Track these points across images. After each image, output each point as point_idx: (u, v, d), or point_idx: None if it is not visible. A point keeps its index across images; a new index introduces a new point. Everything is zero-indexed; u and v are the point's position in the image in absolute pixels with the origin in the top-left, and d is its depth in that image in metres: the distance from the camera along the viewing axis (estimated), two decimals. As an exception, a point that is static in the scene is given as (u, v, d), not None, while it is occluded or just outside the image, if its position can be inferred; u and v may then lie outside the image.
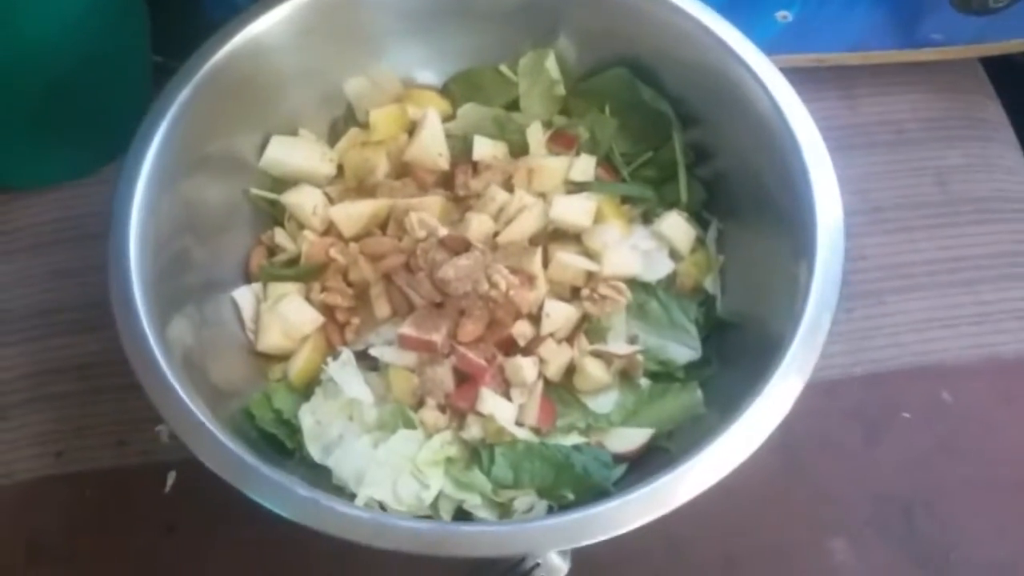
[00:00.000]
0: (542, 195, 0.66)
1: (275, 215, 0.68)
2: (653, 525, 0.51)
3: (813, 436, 0.67)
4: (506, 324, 0.61)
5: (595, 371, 0.61)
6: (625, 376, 0.63)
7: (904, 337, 0.72)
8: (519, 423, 0.60)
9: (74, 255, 0.75)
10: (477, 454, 0.59)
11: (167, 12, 0.73)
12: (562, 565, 0.60)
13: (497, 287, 0.60)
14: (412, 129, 0.69)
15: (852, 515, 0.66)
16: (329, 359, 0.62)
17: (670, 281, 0.66)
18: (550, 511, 0.58)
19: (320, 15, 0.66)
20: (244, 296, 0.66)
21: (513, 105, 0.71)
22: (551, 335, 0.62)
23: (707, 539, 0.65)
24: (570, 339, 0.63)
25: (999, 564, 0.66)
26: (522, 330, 0.61)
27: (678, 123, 0.68)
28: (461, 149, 0.69)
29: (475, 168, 0.68)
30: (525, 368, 0.60)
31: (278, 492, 0.51)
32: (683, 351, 0.64)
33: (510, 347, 0.62)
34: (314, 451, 0.59)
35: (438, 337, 0.60)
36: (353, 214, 0.65)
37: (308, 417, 0.60)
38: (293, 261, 0.67)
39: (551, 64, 0.70)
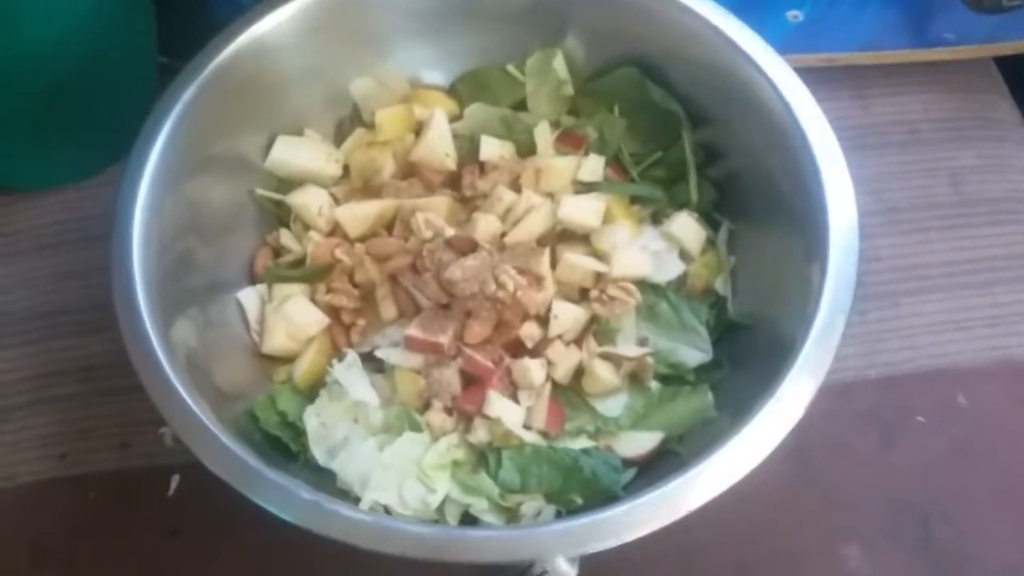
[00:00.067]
0: (550, 195, 0.66)
1: (280, 216, 0.68)
2: (663, 531, 0.50)
3: (826, 440, 0.67)
4: (514, 326, 0.61)
5: (604, 373, 0.61)
6: (635, 379, 0.62)
7: (919, 339, 0.71)
8: (527, 426, 0.60)
9: (77, 257, 0.74)
10: (484, 457, 0.59)
11: (173, 12, 0.73)
12: (570, 571, 0.58)
13: (504, 288, 0.60)
14: (419, 129, 0.69)
15: (866, 521, 0.66)
16: (334, 361, 0.62)
17: (680, 282, 0.65)
18: (558, 516, 0.58)
19: (326, 14, 0.66)
20: (249, 297, 0.66)
21: (520, 105, 0.71)
22: (559, 337, 0.62)
23: (718, 545, 0.64)
24: (579, 341, 0.62)
25: (1017, 571, 0.65)
26: (530, 332, 0.61)
27: (688, 123, 0.67)
28: (468, 149, 0.68)
29: (482, 168, 0.67)
30: (533, 370, 0.59)
31: (281, 495, 0.51)
32: (693, 353, 0.63)
33: (518, 349, 0.61)
34: (318, 454, 0.59)
35: (445, 339, 0.60)
36: (359, 215, 0.65)
37: (313, 419, 0.60)
38: (298, 262, 0.66)
39: (559, 64, 0.70)
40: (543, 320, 0.62)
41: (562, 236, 0.65)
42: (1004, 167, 0.79)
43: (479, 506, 0.58)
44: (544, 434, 0.60)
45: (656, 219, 0.68)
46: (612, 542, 0.50)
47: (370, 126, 0.70)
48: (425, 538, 0.51)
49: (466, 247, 0.62)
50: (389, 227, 0.66)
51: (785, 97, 0.60)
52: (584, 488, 0.57)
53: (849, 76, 0.80)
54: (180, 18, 0.72)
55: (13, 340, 0.72)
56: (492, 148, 0.68)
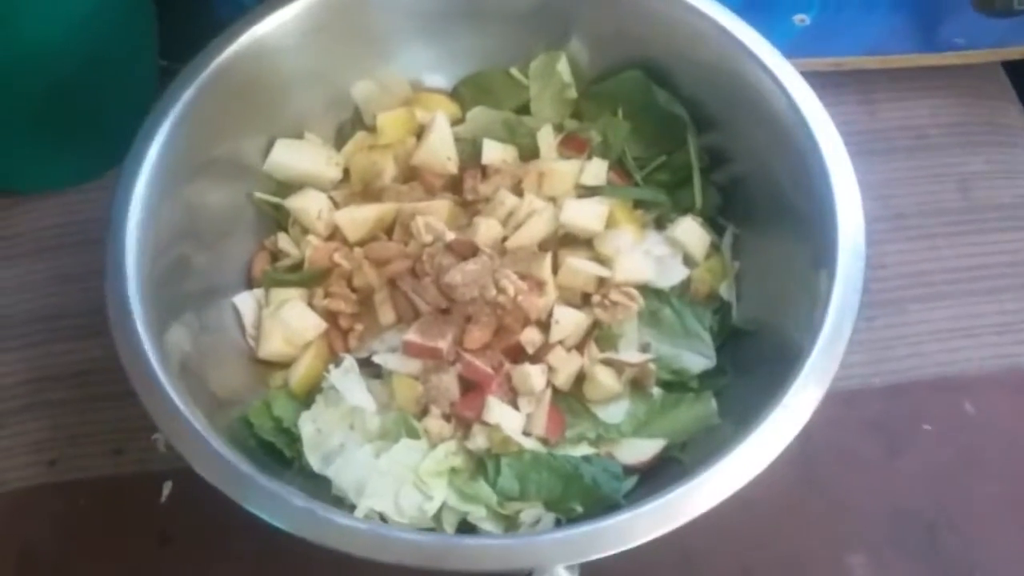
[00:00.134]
0: (552, 199, 0.66)
1: (279, 220, 0.68)
2: (666, 539, 0.50)
3: (832, 448, 0.66)
4: (514, 331, 0.60)
5: (606, 380, 0.60)
6: (637, 385, 0.62)
7: (926, 347, 0.71)
8: (526, 433, 0.59)
9: (77, 260, 0.74)
10: (482, 465, 0.58)
11: (174, 13, 0.73)
12: (570, 580, 0.58)
13: (505, 292, 0.59)
14: (420, 133, 0.69)
15: (872, 530, 0.65)
16: (331, 366, 0.61)
17: (684, 288, 0.65)
18: (558, 524, 0.57)
19: (328, 16, 0.66)
20: (245, 302, 0.65)
21: (523, 109, 0.71)
22: (560, 342, 0.61)
23: (722, 553, 0.64)
24: (580, 347, 0.62)
25: (1026, 581, 0.65)
26: (530, 337, 0.60)
27: (693, 126, 0.67)
28: (470, 153, 0.68)
29: (484, 172, 0.67)
30: (533, 376, 0.59)
31: (274, 502, 0.50)
32: (697, 360, 0.62)
33: (518, 355, 0.61)
34: (314, 460, 0.58)
35: (444, 344, 0.59)
36: (358, 218, 0.65)
37: (308, 425, 0.59)
38: (296, 266, 0.66)
39: (563, 67, 0.70)
40: (544, 325, 0.61)
41: (564, 241, 0.65)
42: (1013, 173, 0.79)
43: (477, 514, 0.57)
44: (544, 441, 0.59)
45: (660, 224, 0.67)
46: (612, 551, 0.49)
47: (371, 129, 0.70)
48: (422, 546, 0.50)
49: (467, 251, 0.61)
50: (389, 231, 0.66)
51: (793, 101, 0.60)
52: (584, 496, 0.57)
53: (856, 81, 0.80)
54: (181, 20, 0.72)
55: (10, 343, 0.71)
56: (494, 152, 0.67)
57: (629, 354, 0.61)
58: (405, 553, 0.49)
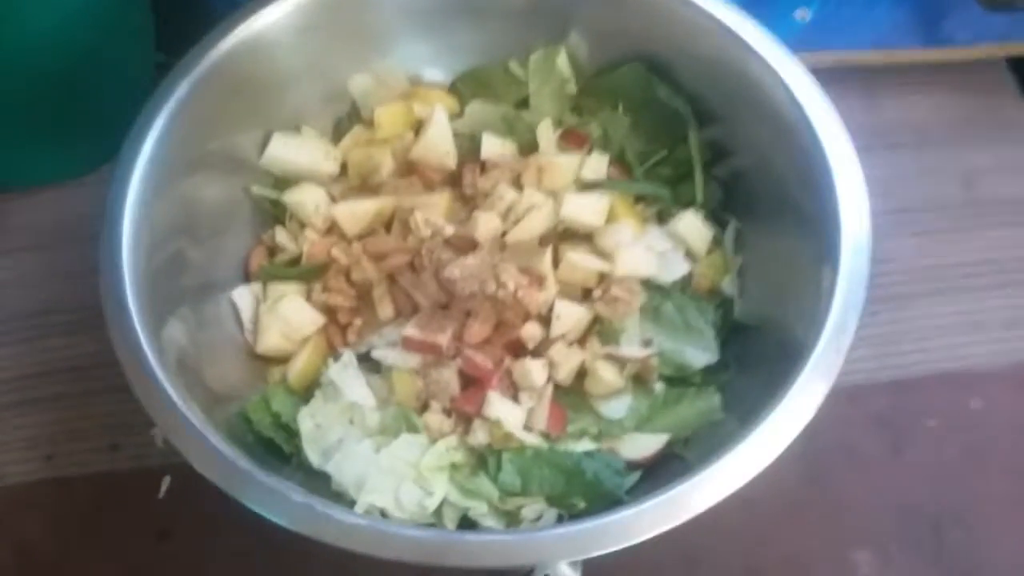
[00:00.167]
0: (552, 194, 0.65)
1: (276, 214, 0.68)
2: (668, 536, 0.49)
3: (836, 444, 0.66)
4: (515, 325, 0.60)
5: (607, 375, 0.60)
6: (639, 380, 0.61)
7: (930, 342, 0.71)
8: (528, 428, 0.59)
9: (73, 255, 0.74)
10: (483, 460, 0.58)
11: (171, 6, 0.73)
12: (572, 577, 0.58)
13: (505, 287, 0.59)
14: (418, 127, 0.68)
15: (877, 527, 0.65)
16: (330, 361, 0.61)
17: (686, 283, 0.65)
18: (560, 520, 0.57)
19: (325, 9, 0.65)
20: (243, 296, 0.65)
21: (523, 104, 0.70)
22: (562, 337, 0.61)
23: (725, 551, 0.63)
24: (581, 342, 0.61)
25: (1031, 577, 0.65)
26: (531, 332, 0.60)
27: (694, 121, 0.67)
28: (469, 148, 0.68)
29: (483, 167, 0.67)
30: (534, 371, 0.59)
31: (272, 498, 0.50)
32: (699, 355, 0.62)
33: (519, 349, 0.61)
34: (313, 456, 0.58)
35: (443, 339, 0.59)
36: (356, 212, 0.64)
37: (307, 421, 0.59)
38: (294, 261, 0.66)
39: (562, 61, 0.69)
40: (545, 320, 0.61)
41: (564, 235, 0.64)
42: (1017, 168, 0.79)
43: (478, 509, 0.57)
44: (546, 436, 0.59)
45: (661, 218, 0.67)
46: (615, 547, 0.49)
47: (369, 123, 0.69)
48: (422, 542, 0.50)
49: (466, 246, 0.61)
50: (387, 226, 0.65)
51: (796, 95, 0.60)
52: (586, 491, 0.57)
53: (858, 76, 0.80)
54: (178, 14, 0.71)
55: (6, 338, 0.71)
56: (493, 146, 0.67)
57: (631, 349, 0.61)
58: (405, 549, 0.49)
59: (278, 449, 0.59)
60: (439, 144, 0.66)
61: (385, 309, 0.62)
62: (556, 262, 0.62)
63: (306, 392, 0.61)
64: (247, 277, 0.66)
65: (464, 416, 0.59)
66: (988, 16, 0.75)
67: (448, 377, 0.59)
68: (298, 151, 0.67)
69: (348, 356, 0.61)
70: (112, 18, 0.68)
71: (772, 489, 0.51)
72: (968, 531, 0.65)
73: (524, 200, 0.64)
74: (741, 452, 0.51)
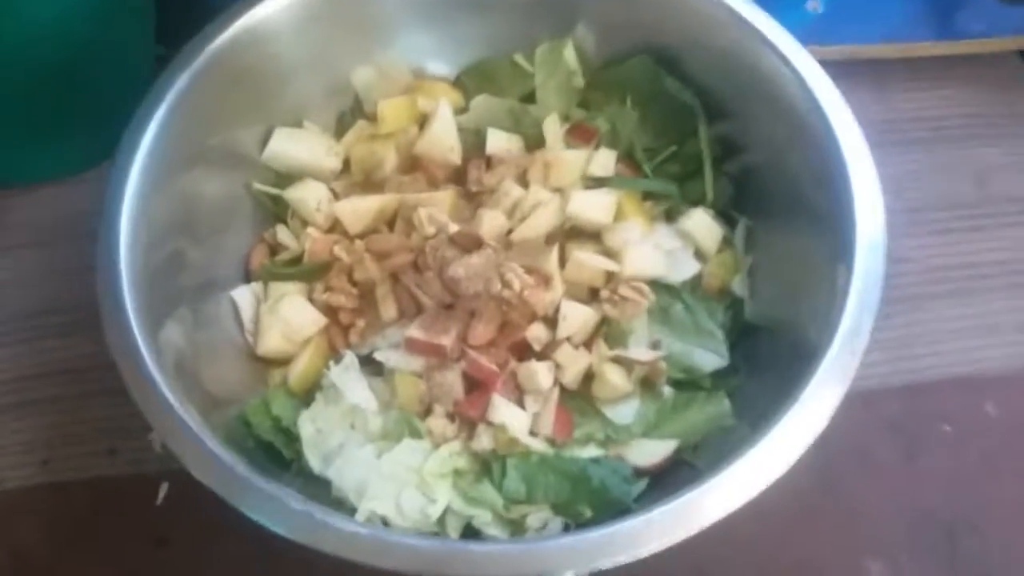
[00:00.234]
0: (559, 190, 0.65)
1: (277, 212, 0.67)
2: (678, 545, 0.49)
3: (848, 450, 0.65)
4: (520, 327, 0.59)
5: (615, 378, 0.59)
6: (647, 384, 0.61)
7: (944, 345, 0.70)
8: (533, 433, 0.58)
9: (72, 253, 0.73)
10: (488, 466, 0.57)
11: (172, -2, 0.72)
12: (579, 588, 0.57)
13: (510, 287, 0.58)
14: (422, 122, 0.68)
15: (890, 535, 0.64)
16: (331, 363, 0.60)
17: (695, 283, 0.64)
18: (566, 529, 0.57)
19: (327, 1, 0.65)
20: (243, 296, 0.64)
21: (529, 98, 0.70)
22: (568, 339, 0.60)
23: (736, 560, 0.63)
24: (588, 344, 0.61)
25: (1050, 589, 0.64)
26: (537, 333, 0.59)
27: (704, 116, 0.66)
28: (474, 143, 0.67)
29: (488, 163, 0.66)
30: (540, 374, 0.58)
31: (271, 505, 0.49)
32: (709, 357, 0.61)
33: (524, 351, 0.60)
34: (313, 461, 0.58)
35: (447, 340, 0.58)
36: (359, 210, 0.64)
37: (308, 425, 0.58)
38: (295, 260, 0.65)
39: (569, 54, 0.69)
40: (551, 321, 0.60)
41: (571, 233, 0.64)
42: (1033, 165, 0.78)
43: (482, 518, 0.56)
44: (551, 442, 0.58)
45: (670, 216, 0.66)
46: (623, 558, 0.48)
47: (372, 118, 0.69)
48: (424, 552, 0.49)
49: (470, 244, 0.60)
50: (390, 223, 0.65)
51: (810, 89, 0.59)
52: (593, 499, 0.56)
53: (869, 70, 0.79)
54: (179, 5, 0.70)
55: (6, 339, 0.71)
56: (499, 141, 0.66)
57: (639, 351, 0.60)
58: (406, 559, 0.48)
59: (278, 454, 0.58)
60: (443, 139, 0.66)
61: (388, 309, 0.61)
62: (562, 261, 0.62)
63: (307, 395, 0.61)
64: (248, 276, 0.66)
65: (468, 421, 0.58)
66: (1002, 9, 0.75)
67: (452, 380, 0.58)
68: (300, 146, 0.66)
69: (350, 358, 0.60)
70: (112, 10, 0.67)
71: (784, 496, 0.50)
72: (982, 538, 0.64)
73: (530, 197, 0.63)
74: (753, 459, 0.50)
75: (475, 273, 0.59)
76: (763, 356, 0.61)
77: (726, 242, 0.65)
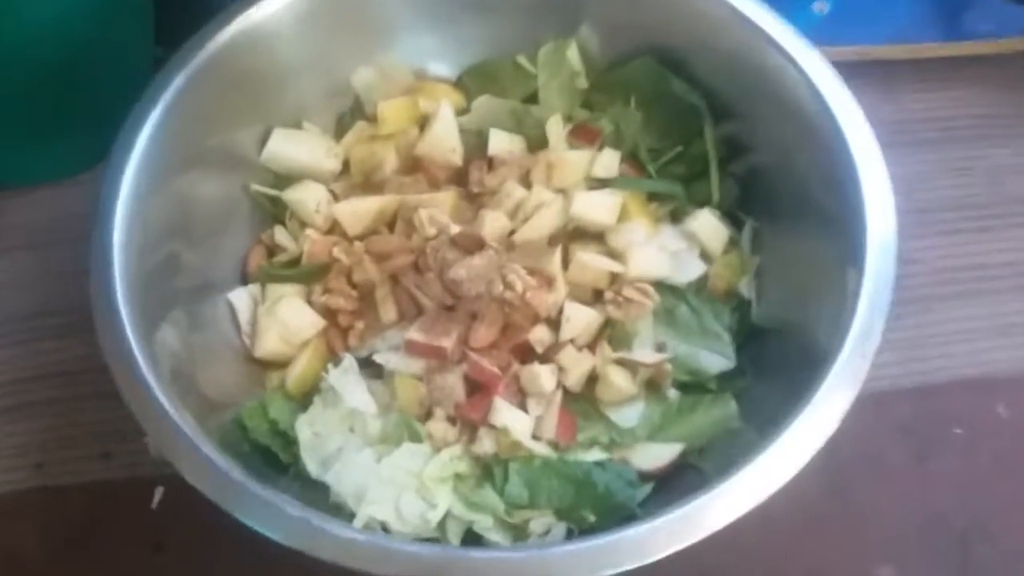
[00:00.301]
0: (562, 191, 0.64)
1: (276, 213, 0.67)
2: (684, 552, 0.48)
3: (859, 454, 0.65)
4: (522, 329, 0.59)
5: (619, 381, 0.58)
6: (652, 387, 0.60)
7: (955, 347, 0.69)
8: (536, 437, 0.58)
9: (68, 255, 0.72)
10: (489, 470, 0.57)
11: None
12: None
13: (513, 288, 0.58)
14: (423, 123, 0.68)
15: (901, 541, 0.64)
16: (330, 366, 0.60)
17: (701, 284, 0.64)
18: (569, 535, 0.56)
19: (327, 1, 0.64)
20: (240, 298, 0.64)
21: (531, 98, 0.69)
22: (571, 341, 0.60)
23: (743, 567, 0.62)
24: (592, 346, 0.60)
25: (1062, 594, 0.64)
26: (540, 335, 0.59)
27: (710, 116, 0.66)
28: (475, 144, 0.67)
29: (490, 163, 0.66)
30: (543, 377, 0.57)
31: (266, 511, 0.49)
32: (715, 360, 0.61)
33: (526, 354, 0.59)
34: (311, 465, 0.57)
35: (448, 343, 0.58)
36: (359, 211, 0.64)
37: (306, 428, 0.58)
38: (294, 261, 0.65)
39: (573, 55, 0.68)
40: (554, 323, 0.60)
41: (575, 234, 0.64)
42: (1043, 165, 0.77)
43: (483, 523, 0.56)
44: (554, 445, 0.58)
45: (675, 217, 0.66)
46: (628, 565, 0.48)
47: (372, 119, 0.68)
48: (424, 558, 0.49)
49: (472, 245, 0.60)
50: (390, 225, 0.65)
51: (818, 89, 0.59)
52: (597, 504, 0.55)
53: (878, 70, 0.78)
54: (178, 6, 0.70)
55: (3, 341, 0.71)
56: (501, 142, 0.66)
57: (644, 354, 0.60)
58: (406, 566, 0.48)
59: (275, 458, 0.58)
60: (445, 140, 0.65)
61: (388, 311, 0.61)
62: (566, 263, 0.61)
63: (305, 398, 0.60)
64: (245, 278, 0.65)
65: (469, 424, 0.58)
66: (1010, 9, 0.74)
67: (453, 383, 0.58)
68: (299, 147, 0.66)
69: (349, 360, 0.60)
70: (110, 11, 0.67)
71: (793, 502, 0.49)
72: (996, 544, 0.63)
73: (533, 198, 0.63)
74: (762, 464, 0.49)
75: (477, 274, 0.58)
76: (771, 359, 0.60)
77: (732, 243, 0.65)
